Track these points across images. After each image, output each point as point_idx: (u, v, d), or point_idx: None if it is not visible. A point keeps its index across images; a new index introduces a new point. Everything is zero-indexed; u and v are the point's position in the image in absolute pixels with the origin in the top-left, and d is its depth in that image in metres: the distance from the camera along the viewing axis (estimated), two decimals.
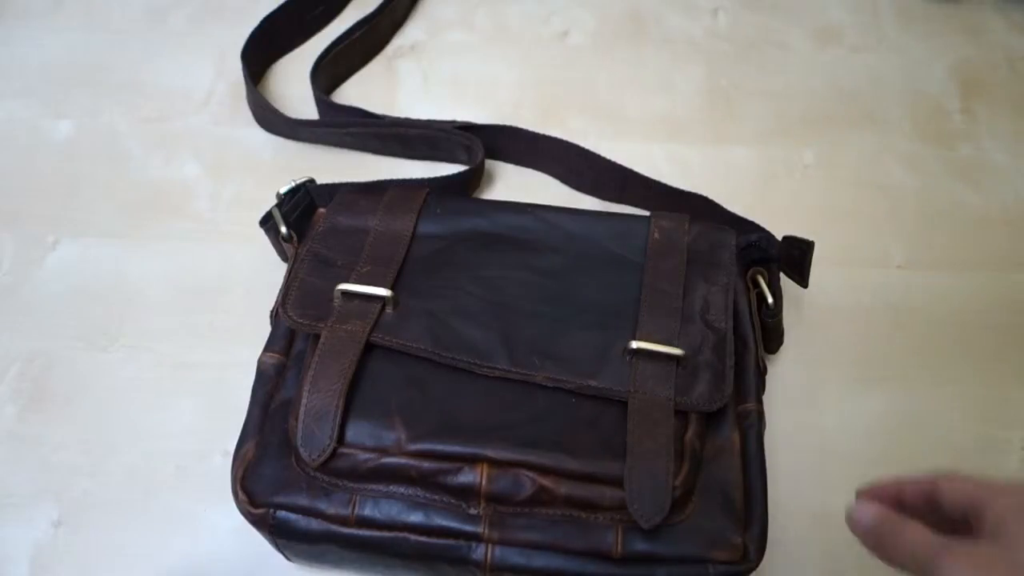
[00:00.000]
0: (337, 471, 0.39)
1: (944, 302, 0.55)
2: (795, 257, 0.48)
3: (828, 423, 0.49)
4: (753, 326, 0.46)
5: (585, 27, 0.72)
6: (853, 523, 0.34)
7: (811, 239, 0.47)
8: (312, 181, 0.53)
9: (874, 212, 0.59)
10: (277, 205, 0.51)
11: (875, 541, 0.33)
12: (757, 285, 0.48)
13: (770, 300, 0.48)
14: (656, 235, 0.48)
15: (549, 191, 0.61)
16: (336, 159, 0.62)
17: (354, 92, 0.67)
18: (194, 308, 0.54)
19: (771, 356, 0.51)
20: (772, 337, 0.50)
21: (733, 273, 0.46)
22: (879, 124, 0.65)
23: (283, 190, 0.52)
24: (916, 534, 0.31)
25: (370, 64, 0.69)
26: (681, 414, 0.41)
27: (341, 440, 0.39)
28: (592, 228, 0.49)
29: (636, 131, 0.64)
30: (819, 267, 0.48)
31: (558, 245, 0.48)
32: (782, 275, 0.50)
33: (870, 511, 0.33)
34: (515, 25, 0.72)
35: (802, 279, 0.48)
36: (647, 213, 0.50)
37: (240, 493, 0.40)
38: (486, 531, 0.38)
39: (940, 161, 0.62)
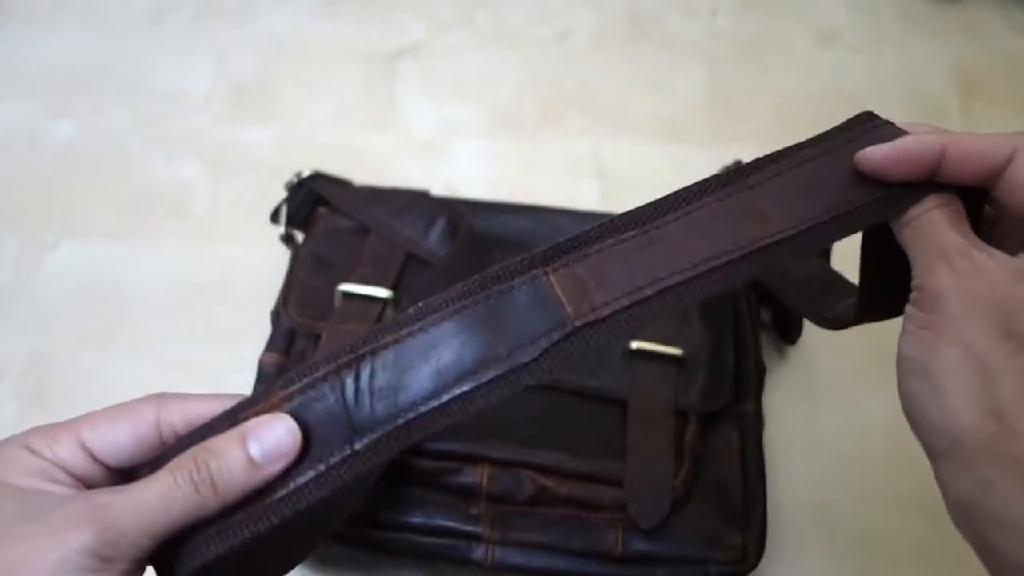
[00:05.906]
0: None
1: None
2: None
3: (828, 423, 0.49)
4: (752, 326, 0.47)
5: (585, 27, 0.72)
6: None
7: None
8: (318, 175, 0.52)
9: None
10: (287, 200, 0.51)
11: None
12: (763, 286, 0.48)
13: None
14: None
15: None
16: (337, 160, 0.62)
17: (354, 93, 0.67)
18: (194, 308, 0.54)
19: (771, 356, 0.51)
20: (794, 330, 0.50)
21: None
22: None
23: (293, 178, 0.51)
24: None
25: (370, 65, 0.69)
26: (681, 414, 0.41)
27: None
28: None
29: (636, 131, 0.64)
30: None
31: None
32: None
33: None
34: (515, 25, 0.72)
35: None
36: None
37: None
38: (487, 531, 0.39)
39: None
